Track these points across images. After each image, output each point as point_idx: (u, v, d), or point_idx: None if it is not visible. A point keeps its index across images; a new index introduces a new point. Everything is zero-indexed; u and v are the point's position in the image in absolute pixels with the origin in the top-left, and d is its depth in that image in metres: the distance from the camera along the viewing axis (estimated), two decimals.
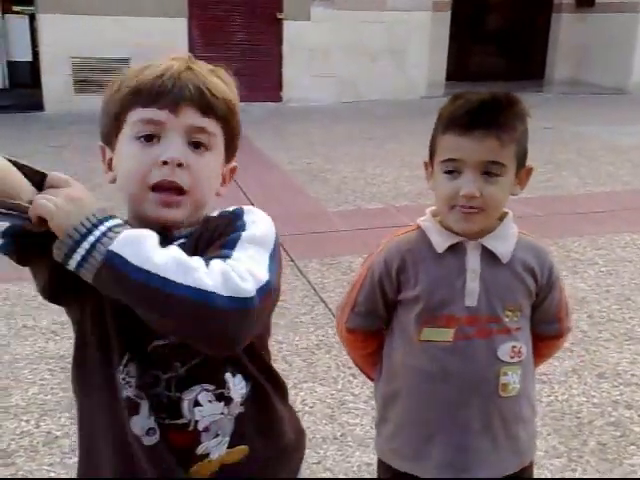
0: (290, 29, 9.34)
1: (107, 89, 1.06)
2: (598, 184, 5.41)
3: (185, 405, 1.02)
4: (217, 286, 0.87)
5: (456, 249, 1.31)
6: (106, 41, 8.42)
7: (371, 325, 1.43)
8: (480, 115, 1.22)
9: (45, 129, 7.58)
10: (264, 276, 0.93)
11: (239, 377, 1.05)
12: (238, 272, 0.90)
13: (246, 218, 1.02)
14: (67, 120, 7.83)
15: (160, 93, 0.99)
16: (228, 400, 1.04)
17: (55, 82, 8.54)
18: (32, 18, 8.79)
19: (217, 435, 1.04)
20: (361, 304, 1.40)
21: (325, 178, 5.50)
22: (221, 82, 1.05)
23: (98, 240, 0.86)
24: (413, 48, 9.87)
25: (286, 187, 5.28)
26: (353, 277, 1.46)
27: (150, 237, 0.89)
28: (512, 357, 1.33)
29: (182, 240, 1.02)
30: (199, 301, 0.86)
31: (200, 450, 1.04)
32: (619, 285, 3.48)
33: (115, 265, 0.85)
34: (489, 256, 1.31)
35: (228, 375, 1.04)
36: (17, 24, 10.54)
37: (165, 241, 0.94)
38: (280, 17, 9.29)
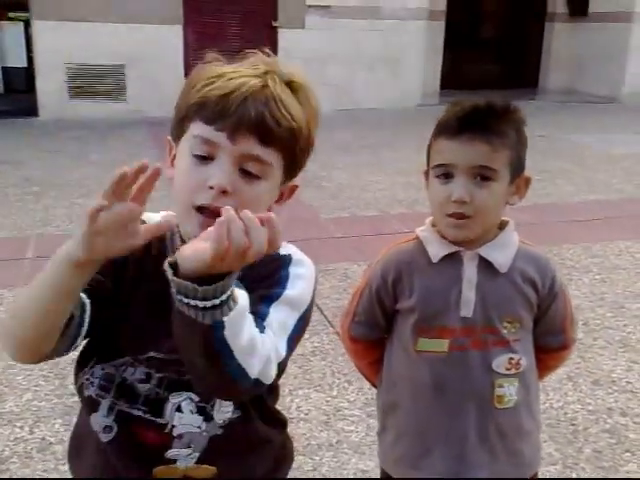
0: (285, 37, 9.37)
1: (187, 80, 1.02)
2: (592, 192, 5.44)
3: (169, 406, 1.04)
4: (256, 372, 0.89)
5: (452, 259, 1.30)
6: (101, 48, 8.43)
7: (372, 334, 1.43)
8: (471, 119, 1.22)
9: (39, 135, 7.57)
10: (283, 352, 0.96)
11: (229, 402, 1.05)
12: (273, 357, 0.92)
13: (291, 270, 1.02)
14: (61, 126, 7.82)
15: (222, 114, 0.94)
16: (209, 417, 1.04)
17: (49, 88, 8.53)
18: (27, 24, 8.79)
19: (189, 446, 1.05)
20: (361, 314, 1.41)
21: (320, 185, 5.51)
22: (295, 102, 0.99)
23: (225, 302, 0.82)
24: (408, 57, 9.91)
25: None
26: (355, 286, 1.46)
27: (249, 317, 0.88)
28: (508, 369, 1.32)
29: None
30: (235, 380, 0.88)
31: (169, 454, 1.05)
32: (613, 293, 3.50)
33: (214, 332, 0.83)
34: (487, 266, 1.30)
35: None
36: (12, 30, 10.54)
37: None
38: (275, 25, 9.32)
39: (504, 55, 12.13)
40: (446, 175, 1.25)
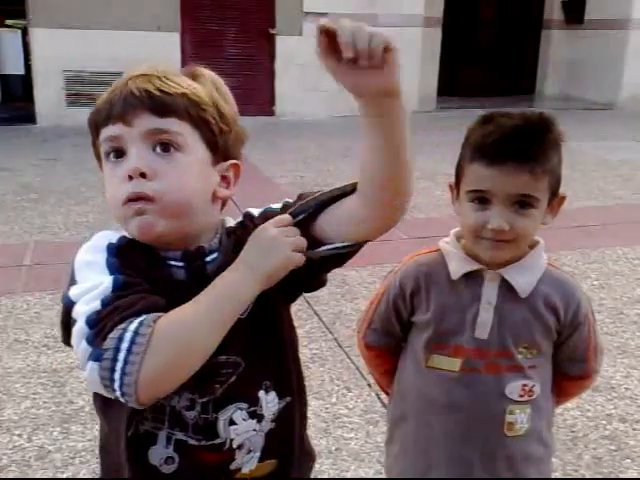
0: (282, 44, 9.39)
1: None
2: (590, 198, 5.45)
3: (221, 425, 1.02)
4: None
5: (473, 277, 1.26)
6: (99, 55, 8.43)
7: (387, 343, 1.40)
8: (511, 145, 1.13)
9: (37, 142, 7.57)
10: None
11: (272, 394, 1.06)
12: None
13: None
14: (59, 133, 7.83)
15: (110, 109, 0.97)
16: (260, 417, 1.05)
17: (47, 95, 8.53)
18: (24, 32, 8.80)
19: (250, 451, 1.05)
20: (377, 322, 1.38)
21: None
22: (186, 79, 1.01)
23: None
24: (404, 63, 9.61)
25: (278, 200, 5.27)
26: (374, 292, 1.43)
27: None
28: (521, 396, 1.27)
29: (214, 255, 1.02)
30: None
31: (233, 466, 1.05)
32: (612, 299, 3.50)
33: None
34: (508, 288, 1.25)
35: (262, 393, 1.05)
36: (9, 38, 10.54)
37: (199, 257, 1.00)
38: (272, 32, 9.34)
39: (501, 62, 12.17)
40: (481, 200, 1.19)
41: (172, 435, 1.01)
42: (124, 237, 0.99)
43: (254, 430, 1.04)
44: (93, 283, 0.92)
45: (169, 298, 0.95)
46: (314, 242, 1.01)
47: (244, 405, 1.03)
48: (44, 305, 3.21)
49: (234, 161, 1.05)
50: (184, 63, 8.81)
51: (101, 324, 0.89)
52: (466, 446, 1.28)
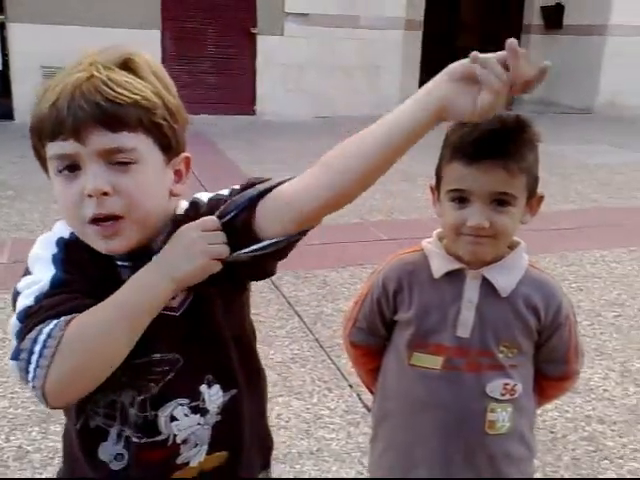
0: (264, 44, 9.37)
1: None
2: (568, 202, 5.51)
3: (162, 422, 1.01)
4: None
5: (455, 276, 1.27)
6: (78, 51, 8.34)
7: (372, 341, 1.41)
8: (487, 145, 1.16)
9: (15, 138, 7.44)
10: None
11: (216, 387, 1.05)
12: None
13: None
14: None
15: (58, 123, 0.91)
16: (204, 411, 1.04)
17: (25, 91, 8.38)
18: (2, 27, 8.69)
19: (196, 445, 1.04)
20: (362, 321, 1.39)
21: None
22: (131, 78, 0.94)
23: None
24: (386, 65, 9.97)
25: None
26: (358, 291, 1.44)
27: None
28: (503, 394, 1.28)
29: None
30: None
31: (180, 460, 1.04)
32: (589, 301, 3.54)
33: None
34: (489, 287, 1.26)
35: (204, 387, 1.04)
36: None
37: (146, 257, 0.97)
38: (254, 32, 9.32)
39: None
40: (461, 200, 1.21)
41: (122, 432, 1.02)
42: (69, 235, 1.00)
43: (199, 424, 1.04)
44: (35, 278, 0.95)
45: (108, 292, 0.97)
46: (251, 237, 0.97)
47: (185, 401, 1.02)
48: None
49: (185, 154, 1.03)
50: (165, 61, 8.76)
51: (27, 321, 0.91)
52: (449, 444, 1.29)
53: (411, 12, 10.06)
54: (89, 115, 0.90)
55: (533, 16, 11.56)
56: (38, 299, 0.92)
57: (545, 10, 11.36)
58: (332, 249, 4.20)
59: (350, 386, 2.63)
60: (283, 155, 6.92)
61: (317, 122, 9.26)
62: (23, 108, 8.39)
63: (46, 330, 0.88)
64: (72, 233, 0.99)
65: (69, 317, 0.90)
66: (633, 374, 2.81)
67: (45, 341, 0.88)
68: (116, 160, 0.92)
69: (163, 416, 1.01)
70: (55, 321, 0.89)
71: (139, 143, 0.94)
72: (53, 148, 0.93)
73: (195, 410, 1.03)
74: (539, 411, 2.49)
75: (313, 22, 9.46)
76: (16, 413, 2.41)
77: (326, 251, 4.18)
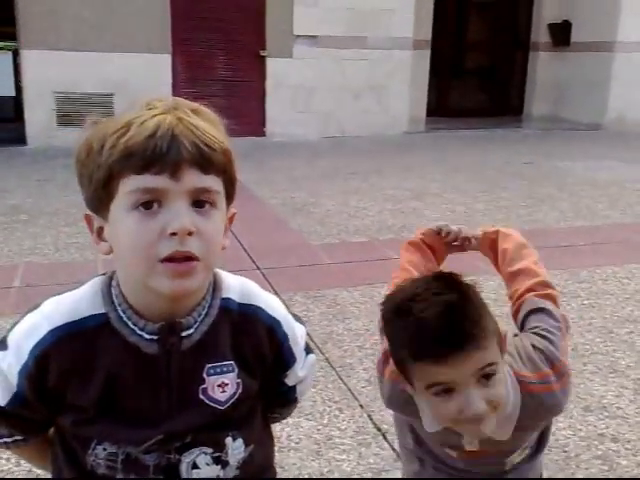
0: (273, 66, 9.46)
1: (80, 149, 0.95)
2: (578, 218, 5.49)
3: (183, 467, 1.01)
4: None
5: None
6: (89, 76, 8.46)
7: None
8: (452, 337, 1.06)
9: (28, 163, 7.57)
10: None
11: (239, 441, 1.05)
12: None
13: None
14: (50, 154, 7.81)
15: (156, 157, 0.89)
16: (225, 464, 1.04)
17: (38, 116, 8.54)
18: (15, 53, 8.82)
19: None
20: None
21: (309, 211, 5.52)
22: (210, 126, 0.95)
23: None
24: (394, 85, 10.03)
25: (270, 220, 5.29)
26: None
27: None
28: (521, 455, 1.31)
29: (191, 331, 1.00)
30: None
31: None
32: (601, 318, 3.51)
33: None
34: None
35: (229, 439, 1.04)
36: (0, 59, 10.56)
37: (171, 332, 0.98)
38: (263, 54, 9.41)
39: (489, 84, 12.31)
40: (447, 390, 1.10)
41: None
42: (64, 331, 0.98)
43: (217, 476, 1.03)
44: (2, 376, 0.99)
45: (135, 373, 0.98)
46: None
47: (209, 450, 1.02)
48: None
49: (234, 210, 1.04)
50: (175, 84, 8.85)
51: None
52: None
53: (419, 32, 10.13)
54: (190, 155, 0.90)
55: (540, 33, 11.59)
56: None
57: (552, 27, 11.39)
58: (342, 268, 4.20)
59: (361, 406, 2.62)
60: (293, 175, 6.96)
61: (326, 142, 9.30)
62: (36, 133, 8.51)
63: None
64: (54, 330, 0.98)
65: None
66: None
67: None
68: (200, 198, 0.92)
69: (185, 461, 1.01)
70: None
71: (220, 188, 0.96)
72: (139, 181, 0.90)
73: (217, 461, 1.03)
74: (552, 430, 2.48)
75: (322, 44, 9.54)
76: None
77: (336, 270, 4.19)
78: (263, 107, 9.53)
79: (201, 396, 1.01)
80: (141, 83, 8.41)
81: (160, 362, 0.98)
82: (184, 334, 0.99)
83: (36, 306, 1.01)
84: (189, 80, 9.04)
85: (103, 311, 0.98)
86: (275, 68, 9.45)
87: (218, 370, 1.01)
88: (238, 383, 1.03)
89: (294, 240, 4.80)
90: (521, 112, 11.92)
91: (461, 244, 1.59)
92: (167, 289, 0.93)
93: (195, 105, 0.98)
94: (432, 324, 1.06)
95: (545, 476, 2.20)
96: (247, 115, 9.14)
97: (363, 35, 9.72)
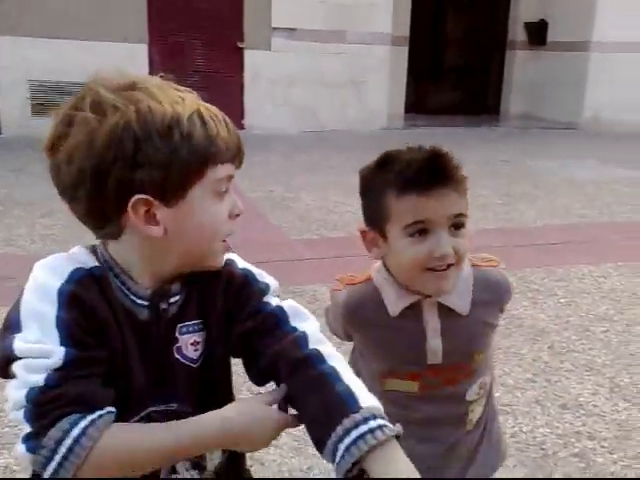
0: (251, 58, 9.41)
1: (137, 129, 0.89)
2: (554, 216, 5.55)
3: (164, 471, 1.01)
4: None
5: (412, 309, 1.26)
6: (65, 65, 8.33)
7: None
8: (435, 171, 1.17)
9: (2, 152, 7.43)
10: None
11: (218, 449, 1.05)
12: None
13: (254, 280, 1.10)
14: (24, 143, 7.65)
15: (240, 150, 1.01)
16: (202, 469, 1.04)
17: (12, 105, 8.40)
18: None
19: None
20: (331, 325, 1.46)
21: (288, 206, 5.51)
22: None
23: None
24: (373, 80, 10.04)
25: (248, 215, 5.23)
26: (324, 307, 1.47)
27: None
28: (478, 393, 1.33)
29: (177, 298, 1.02)
30: None
31: None
32: (578, 316, 3.55)
33: None
34: (447, 310, 1.26)
35: None
36: None
37: (162, 298, 1.00)
38: (241, 46, 9.35)
39: (466, 81, 12.38)
40: (421, 232, 1.18)
41: None
42: (83, 269, 0.95)
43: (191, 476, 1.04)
44: (40, 348, 0.88)
45: (132, 337, 0.97)
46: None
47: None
48: None
49: None
50: (152, 75, 8.75)
51: (43, 408, 0.86)
52: (430, 449, 1.32)
53: (397, 28, 10.15)
54: (238, 146, 1.00)
55: (517, 32, 11.69)
56: (50, 382, 0.87)
57: (529, 26, 11.49)
58: (322, 263, 4.20)
59: None
60: (272, 169, 6.93)
61: (305, 136, 9.29)
62: (10, 122, 8.37)
63: (74, 434, 0.85)
64: (75, 272, 0.94)
65: (99, 425, 0.87)
66: (622, 389, 2.82)
67: (72, 447, 0.85)
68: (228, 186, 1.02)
69: (165, 467, 1.01)
70: (83, 424, 0.86)
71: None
72: (225, 169, 0.97)
73: (195, 466, 1.03)
74: (529, 427, 2.51)
75: (300, 37, 9.51)
76: (3, 432, 2.37)
77: (316, 266, 4.18)
78: (241, 100, 9.48)
79: (176, 355, 1.01)
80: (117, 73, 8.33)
81: (151, 328, 0.99)
82: (172, 300, 1.00)
83: (34, 270, 0.96)
84: (166, 71, 8.75)
85: (98, 264, 0.97)
86: (253, 60, 9.40)
87: (190, 329, 1.02)
88: (205, 340, 1.04)
89: (273, 235, 4.78)
90: (498, 110, 12.02)
91: None
92: (220, 262, 1.03)
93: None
94: (419, 162, 1.18)
95: (523, 474, 2.24)
96: (225, 107, 8.86)
97: (342, 29, 9.72)
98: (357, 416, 0.90)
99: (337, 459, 0.89)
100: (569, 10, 10.83)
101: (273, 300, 1.07)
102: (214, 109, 0.98)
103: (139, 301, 0.98)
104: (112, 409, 0.90)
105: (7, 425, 2.41)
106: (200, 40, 9.27)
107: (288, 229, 4.93)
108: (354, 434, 0.88)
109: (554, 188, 6.53)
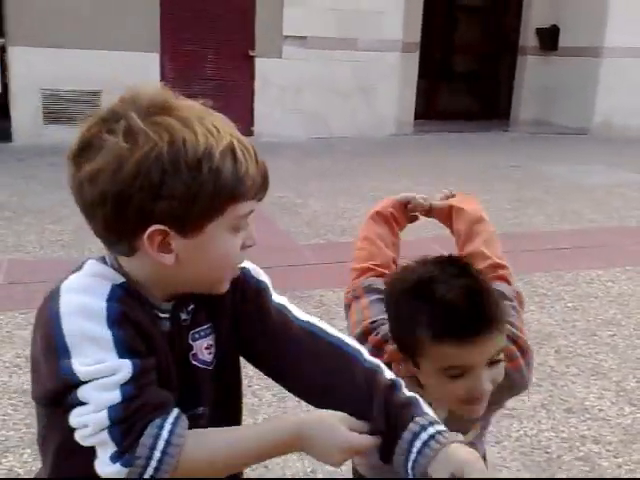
0: (262, 66, 9.44)
1: (168, 160, 0.88)
2: (563, 221, 5.53)
3: None
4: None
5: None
6: (77, 73, 8.41)
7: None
8: (478, 317, 1.09)
9: (14, 161, 7.50)
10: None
11: None
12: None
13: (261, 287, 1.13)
14: (35, 152, 7.76)
15: (265, 184, 0.99)
16: None
17: (24, 113, 8.48)
18: (2, 50, 8.76)
19: None
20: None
21: (296, 212, 5.52)
22: None
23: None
24: (383, 87, 10.04)
25: (257, 220, 5.26)
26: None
27: None
28: (474, 433, 1.33)
29: (192, 306, 1.06)
30: None
31: None
32: (585, 320, 3.54)
33: None
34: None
35: None
36: None
37: (181, 309, 1.04)
38: (252, 54, 9.40)
39: (477, 87, 12.35)
40: (459, 373, 1.13)
41: None
42: (118, 287, 0.96)
43: None
44: (106, 366, 0.89)
45: (160, 349, 0.99)
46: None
47: None
48: (16, 325, 3.15)
49: None
50: (162, 81, 8.81)
51: (128, 422, 0.89)
52: None
53: (408, 34, 10.16)
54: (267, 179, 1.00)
55: (528, 38, 11.65)
56: (126, 395, 0.89)
57: (540, 32, 11.46)
58: (329, 269, 4.21)
59: None
60: (281, 175, 6.95)
61: (314, 143, 9.31)
62: (22, 130, 8.45)
63: (164, 436, 0.89)
64: (116, 288, 0.95)
65: (182, 423, 0.92)
66: (629, 393, 2.80)
67: (165, 449, 0.89)
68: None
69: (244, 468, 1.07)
70: (168, 427, 0.90)
71: None
72: (244, 207, 0.96)
73: None
74: (534, 431, 2.50)
75: (311, 45, 9.54)
76: (8, 435, 2.39)
77: (323, 271, 4.19)
78: (251, 107, 9.51)
79: (193, 362, 1.04)
80: (129, 81, 8.38)
81: (173, 339, 1.02)
82: (189, 309, 1.04)
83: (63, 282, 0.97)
84: (177, 79, 8.99)
85: (124, 280, 0.98)
86: (264, 68, 9.43)
87: (202, 334, 1.05)
88: (216, 342, 1.07)
89: (281, 240, 4.79)
90: (508, 116, 11.97)
91: (424, 215, 1.61)
92: (226, 288, 1.03)
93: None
94: (460, 306, 1.09)
95: (526, 476, 2.23)
96: (235, 115, 8.94)
97: (353, 36, 9.73)
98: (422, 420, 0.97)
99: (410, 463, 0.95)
100: (581, 15, 10.79)
101: (275, 297, 1.11)
102: (245, 141, 0.95)
103: (162, 314, 1.01)
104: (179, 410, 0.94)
105: (12, 428, 2.43)
106: (211, 48, 9.32)
107: (296, 234, 4.95)
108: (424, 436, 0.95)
109: (564, 193, 6.50)
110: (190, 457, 0.91)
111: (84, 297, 0.93)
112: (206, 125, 0.92)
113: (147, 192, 0.88)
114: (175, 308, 1.02)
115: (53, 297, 0.94)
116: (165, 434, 0.89)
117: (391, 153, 8.74)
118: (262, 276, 1.12)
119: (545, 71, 11.45)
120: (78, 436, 0.91)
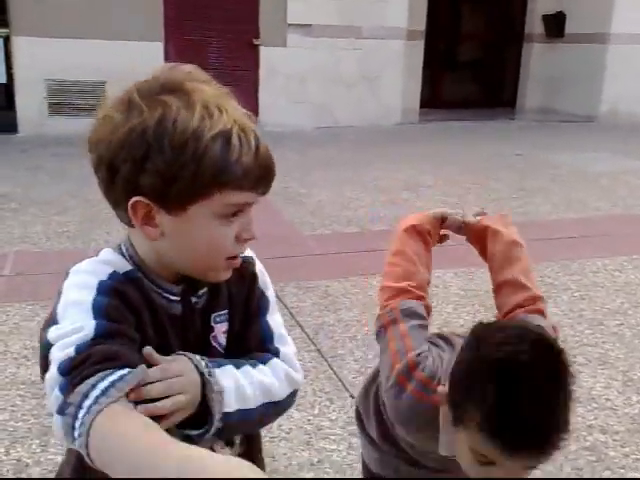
0: (266, 55, 9.41)
1: (160, 133, 0.90)
2: (569, 210, 5.50)
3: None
4: (285, 392, 1.09)
5: None
6: (82, 64, 8.40)
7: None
8: (538, 443, 1.02)
9: (19, 151, 7.50)
10: (291, 347, 1.15)
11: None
12: (293, 367, 1.12)
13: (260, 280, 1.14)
14: (41, 142, 7.77)
15: (268, 177, 0.99)
16: (232, 444, 1.09)
17: (29, 104, 8.47)
18: (7, 40, 8.74)
19: None
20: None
21: (301, 202, 5.51)
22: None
23: (218, 412, 0.98)
24: (388, 76, 10.00)
25: (262, 210, 5.23)
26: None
27: (245, 386, 1.02)
28: None
29: (204, 289, 1.07)
30: (277, 412, 1.10)
31: None
32: (592, 310, 3.53)
33: (230, 420, 0.99)
34: None
35: None
36: None
37: (192, 293, 1.06)
38: (257, 43, 9.36)
39: (483, 75, 12.30)
40: (492, 463, 1.07)
41: None
42: (120, 273, 0.98)
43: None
44: (73, 327, 0.90)
45: (172, 331, 1.03)
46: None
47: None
48: (23, 316, 3.16)
49: None
50: None
51: (73, 373, 0.87)
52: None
53: (413, 22, 10.09)
54: (271, 175, 1.00)
55: (534, 25, 11.57)
56: (79, 349, 0.88)
57: (546, 19, 11.37)
58: (334, 259, 4.20)
59: (352, 397, 2.62)
60: (286, 165, 6.94)
61: (319, 132, 9.28)
62: (27, 121, 8.45)
63: (101, 385, 0.85)
64: (114, 274, 0.97)
65: (128, 376, 0.87)
66: (636, 383, 2.80)
67: (98, 397, 0.84)
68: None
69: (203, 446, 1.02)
70: (111, 378, 0.86)
71: None
72: (240, 197, 0.97)
73: (227, 443, 1.08)
74: None
75: (315, 33, 9.50)
76: (16, 426, 2.40)
77: (328, 261, 4.19)
78: (256, 96, 9.49)
79: (214, 343, 1.08)
80: (133, 71, 8.34)
81: (187, 321, 1.05)
82: (200, 292, 1.06)
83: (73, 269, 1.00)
84: None
85: (131, 267, 1.01)
86: (268, 57, 9.40)
87: (222, 318, 1.09)
88: (228, 330, 1.11)
89: (286, 230, 4.79)
90: (514, 104, 11.92)
91: (456, 232, 1.53)
92: (224, 275, 1.05)
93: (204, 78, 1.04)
94: (531, 428, 1.01)
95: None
96: (240, 104, 9.06)
97: (357, 25, 9.68)
98: None
99: None
100: (587, 2, 10.71)
101: (269, 318, 1.14)
102: (249, 131, 0.95)
103: (172, 297, 1.03)
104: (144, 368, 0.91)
105: (20, 419, 2.45)
106: (215, 38, 9.28)
107: (301, 224, 4.94)
108: None
109: (570, 181, 6.47)
110: (102, 421, 0.83)
111: (84, 277, 0.97)
112: (209, 109, 0.93)
113: (131, 163, 0.91)
114: (186, 292, 1.04)
115: (63, 278, 0.99)
116: (105, 384, 0.85)
117: (396, 142, 8.71)
118: (268, 291, 1.15)
119: (551, 58, 11.38)
120: (49, 403, 0.90)
